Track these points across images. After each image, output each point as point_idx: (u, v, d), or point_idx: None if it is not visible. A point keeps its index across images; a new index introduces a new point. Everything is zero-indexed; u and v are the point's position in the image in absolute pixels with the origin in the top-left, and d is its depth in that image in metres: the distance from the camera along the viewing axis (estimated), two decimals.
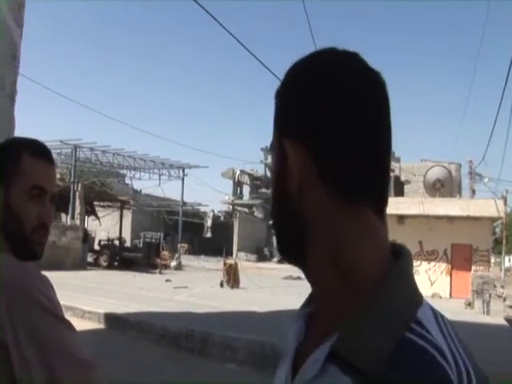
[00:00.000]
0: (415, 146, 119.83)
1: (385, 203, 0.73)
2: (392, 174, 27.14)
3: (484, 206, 20.59)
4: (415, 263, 21.46)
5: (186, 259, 34.12)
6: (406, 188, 28.65)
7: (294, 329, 0.81)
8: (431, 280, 21.40)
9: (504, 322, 14.08)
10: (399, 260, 0.71)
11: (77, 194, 25.66)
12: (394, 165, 30.69)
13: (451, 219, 20.83)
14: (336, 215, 0.70)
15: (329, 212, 0.70)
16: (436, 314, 0.70)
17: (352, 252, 0.70)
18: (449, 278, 21.33)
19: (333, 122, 0.70)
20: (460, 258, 20.97)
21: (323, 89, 0.71)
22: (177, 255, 30.43)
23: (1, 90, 2.41)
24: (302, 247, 0.72)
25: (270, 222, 0.78)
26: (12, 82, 2.52)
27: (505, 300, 18.85)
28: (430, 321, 0.67)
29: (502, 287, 18.56)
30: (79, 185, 26.34)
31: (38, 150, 1.40)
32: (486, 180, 26.36)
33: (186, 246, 42.41)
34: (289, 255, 0.77)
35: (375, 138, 0.71)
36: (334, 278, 0.70)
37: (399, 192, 25.60)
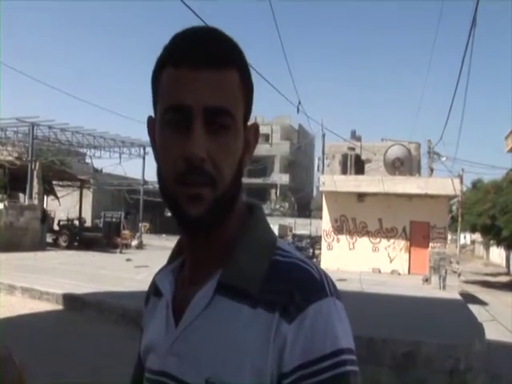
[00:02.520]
0: (376, 125, 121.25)
1: None
2: (353, 153, 27.42)
3: (441, 184, 21.02)
4: (375, 240, 21.86)
5: (148, 238, 33.87)
6: (367, 167, 28.99)
7: (166, 282, 0.91)
8: (390, 257, 21.82)
9: (459, 297, 14.51)
10: (254, 211, 0.89)
11: (34, 173, 25.03)
12: (354, 143, 31.00)
13: (410, 197, 21.21)
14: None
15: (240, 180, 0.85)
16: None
17: (238, 209, 0.86)
18: (407, 254, 21.77)
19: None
20: (418, 235, 21.42)
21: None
22: (138, 234, 30.20)
23: None
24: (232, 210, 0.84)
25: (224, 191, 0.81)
26: None
27: (460, 275, 19.44)
28: (287, 246, 0.86)
29: (458, 263, 19.09)
30: (37, 164, 25.67)
31: None
32: (444, 159, 26.87)
33: (147, 224, 42.07)
34: (223, 219, 0.83)
35: None
36: (228, 228, 0.85)
37: (360, 170, 25.85)
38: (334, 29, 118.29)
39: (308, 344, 0.74)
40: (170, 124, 0.79)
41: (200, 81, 0.76)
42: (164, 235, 42.25)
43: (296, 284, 0.77)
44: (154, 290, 0.96)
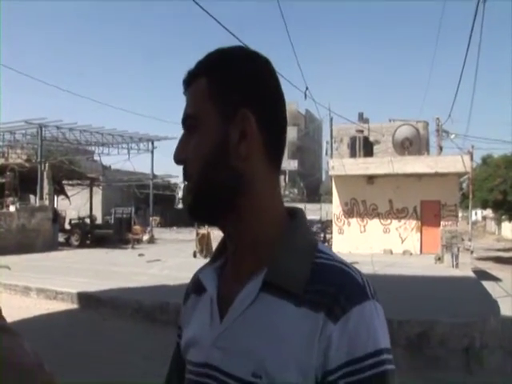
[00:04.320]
0: (383, 106, 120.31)
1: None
2: (361, 135, 27.25)
3: (451, 162, 20.87)
4: (386, 222, 21.81)
5: (159, 232, 34.02)
6: (376, 148, 28.79)
7: (210, 279, 0.95)
8: (402, 237, 21.78)
9: (472, 274, 14.45)
10: (297, 215, 0.94)
11: (44, 174, 25.16)
12: (362, 126, 30.79)
13: (419, 177, 21.10)
14: (268, 179, 0.90)
15: (265, 175, 0.90)
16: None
17: (274, 209, 0.91)
18: (419, 234, 21.71)
19: (273, 101, 0.92)
20: (429, 215, 21.33)
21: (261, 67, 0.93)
22: (149, 229, 30.30)
23: None
24: (231, 204, 0.88)
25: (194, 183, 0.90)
26: None
27: (472, 253, 19.27)
28: (328, 249, 0.91)
29: (470, 240, 18.91)
30: (46, 164, 25.80)
31: None
32: (453, 136, 26.62)
33: (157, 218, 42.22)
34: (216, 216, 0.92)
35: (285, 112, 0.94)
36: (258, 227, 0.89)
37: (368, 152, 25.70)
38: (339, 9, 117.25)
39: (352, 343, 0.79)
40: None
41: (186, 100, 0.92)
42: (175, 228, 42.43)
43: (340, 287, 0.82)
44: (195, 287, 1.01)
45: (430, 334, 7.83)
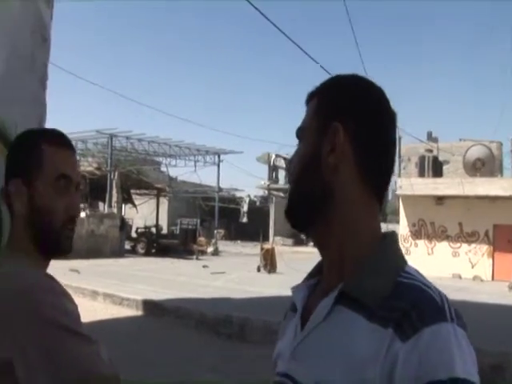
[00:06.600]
0: (453, 125, 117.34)
1: (382, 201, 0.95)
2: (430, 155, 26.61)
3: None
4: (455, 245, 21.08)
5: (223, 245, 34.22)
6: (445, 168, 28.06)
7: (300, 296, 0.99)
8: (472, 262, 20.94)
9: None
10: (388, 236, 0.94)
11: (114, 182, 25.91)
12: (432, 145, 30.09)
13: (493, 199, 20.26)
14: (360, 196, 0.91)
15: (358, 195, 0.91)
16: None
17: (367, 230, 0.92)
18: (491, 260, 20.80)
19: (376, 124, 0.94)
20: (503, 240, 20.42)
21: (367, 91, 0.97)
22: (213, 241, 30.54)
23: (32, 73, 2.25)
24: (320, 213, 0.91)
25: (292, 192, 0.98)
26: (43, 65, 2.36)
27: None
28: (415, 271, 0.88)
29: None
30: (116, 173, 26.57)
31: (57, 139, 1.29)
32: None
33: (222, 231, 42.52)
34: (305, 222, 0.96)
35: (394, 142, 0.97)
36: (347, 243, 0.90)
37: (437, 172, 25.00)
38: (407, 23, 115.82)
39: (421, 366, 0.73)
40: None
41: None
42: (239, 241, 42.62)
43: (413, 303, 0.78)
44: (292, 305, 1.03)
45: (504, 366, 7.41)
